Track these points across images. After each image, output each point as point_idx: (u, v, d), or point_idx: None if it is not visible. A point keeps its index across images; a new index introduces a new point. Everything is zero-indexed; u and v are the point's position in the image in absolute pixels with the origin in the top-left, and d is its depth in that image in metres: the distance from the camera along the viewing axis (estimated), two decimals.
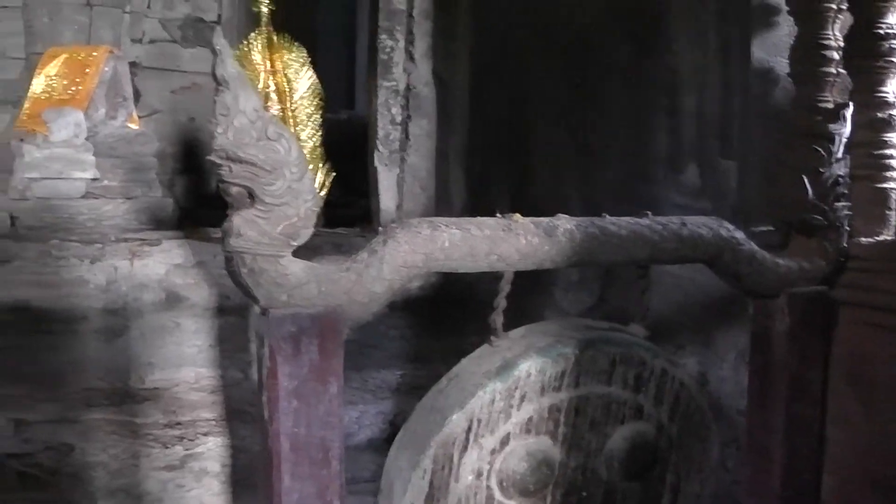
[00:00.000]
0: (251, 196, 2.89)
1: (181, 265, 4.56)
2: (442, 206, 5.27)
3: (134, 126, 8.19)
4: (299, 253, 2.97)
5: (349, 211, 6.16)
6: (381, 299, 3.10)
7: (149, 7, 9.60)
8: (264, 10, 5.65)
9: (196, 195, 9.02)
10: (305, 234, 2.99)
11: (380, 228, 5.34)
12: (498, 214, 3.33)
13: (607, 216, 3.50)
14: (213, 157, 2.87)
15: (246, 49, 5.64)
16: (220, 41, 2.84)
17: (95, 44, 9.08)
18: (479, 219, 3.26)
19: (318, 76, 8.83)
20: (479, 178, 5.14)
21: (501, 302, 3.35)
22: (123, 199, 7.49)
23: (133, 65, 9.30)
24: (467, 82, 5.18)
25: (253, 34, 5.70)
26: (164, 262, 4.54)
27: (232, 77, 2.82)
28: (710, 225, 3.57)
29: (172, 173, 9.27)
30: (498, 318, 3.38)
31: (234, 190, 2.89)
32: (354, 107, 9.77)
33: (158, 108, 9.67)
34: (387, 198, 5.30)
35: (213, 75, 2.85)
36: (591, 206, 4.65)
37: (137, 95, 9.23)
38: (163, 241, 4.65)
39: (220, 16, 9.84)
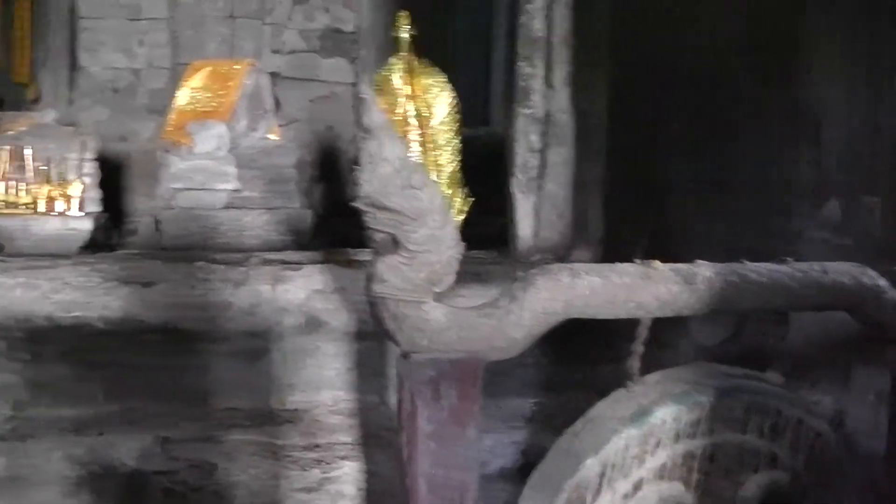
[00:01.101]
0: (395, 242, 2.95)
1: (322, 290, 4.67)
2: (578, 233, 5.28)
3: (274, 137, 8.40)
4: None
5: (485, 230, 6.18)
6: (519, 345, 3.13)
7: (289, 18, 9.81)
8: (404, 35, 5.72)
9: (333, 202, 9.19)
10: (447, 280, 3.04)
11: (517, 253, 5.40)
12: (636, 260, 3.33)
13: (746, 262, 3.47)
14: (358, 204, 2.94)
15: (386, 74, 5.72)
16: (365, 90, 2.91)
17: (237, 55, 9.34)
18: (618, 265, 3.27)
19: (454, 90, 8.96)
20: (616, 207, 5.14)
21: (638, 348, 3.35)
22: (263, 210, 7.69)
23: (273, 75, 9.51)
24: (606, 111, 5.18)
25: (393, 59, 5.78)
26: (305, 288, 4.66)
27: (377, 125, 2.89)
28: (853, 272, 3.50)
29: (310, 181, 9.44)
30: (634, 364, 3.38)
31: (379, 236, 2.96)
32: (490, 121, 9.80)
33: (297, 117, 9.87)
34: (524, 225, 5.34)
35: (359, 123, 2.92)
36: (726, 238, 4.64)
37: (277, 105, 9.44)
38: (304, 265, 4.75)
39: (358, 26, 10.00)
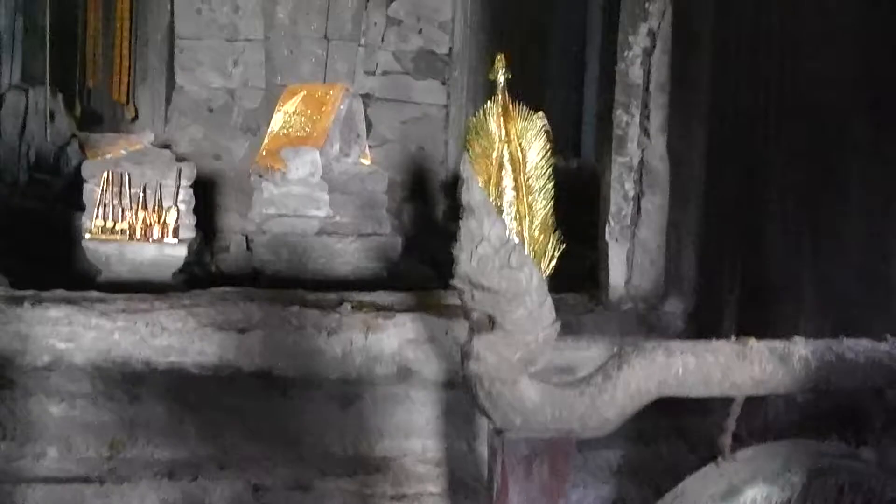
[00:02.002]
0: (491, 321, 2.97)
1: (414, 340, 4.69)
2: (672, 282, 5.24)
3: (366, 162, 8.50)
4: None
5: (576, 264, 6.15)
6: (612, 424, 3.13)
7: (383, 40, 9.92)
8: (500, 79, 5.73)
9: (423, 222, 9.26)
10: (543, 359, 3.05)
11: (609, 302, 5.38)
12: (732, 338, 3.30)
13: (844, 339, 3.42)
14: (456, 283, 2.96)
15: (483, 118, 5.73)
16: (466, 168, 2.93)
17: (331, 75, 9.47)
18: (713, 343, 3.25)
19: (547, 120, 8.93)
20: (712, 256, 5.09)
21: (731, 424, 3.32)
22: (354, 236, 7.79)
23: (366, 96, 9.64)
24: (703, 158, 5.13)
25: (489, 103, 5.79)
26: (397, 337, 4.69)
27: (478, 203, 2.91)
28: None
29: (401, 201, 9.55)
30: (726, 441, 3.35)
31: (475, 315, 2.98)
32: (581, 151, 9.77)
33: (389, 137, 9.99)
34: (616, 273, 5.32)
35: (460, 201, 2.94)
36: (827, 288, 4.57)
37: (369, 126, 9.56)
38: (397, 314, 4.78)
39: (451, 49, 10.08)
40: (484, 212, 2.90)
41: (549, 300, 3.03)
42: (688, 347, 3.20)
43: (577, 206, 6.12)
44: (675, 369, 3.14)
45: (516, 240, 2.96)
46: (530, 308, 2.96)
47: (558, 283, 6.09)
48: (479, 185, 2.93)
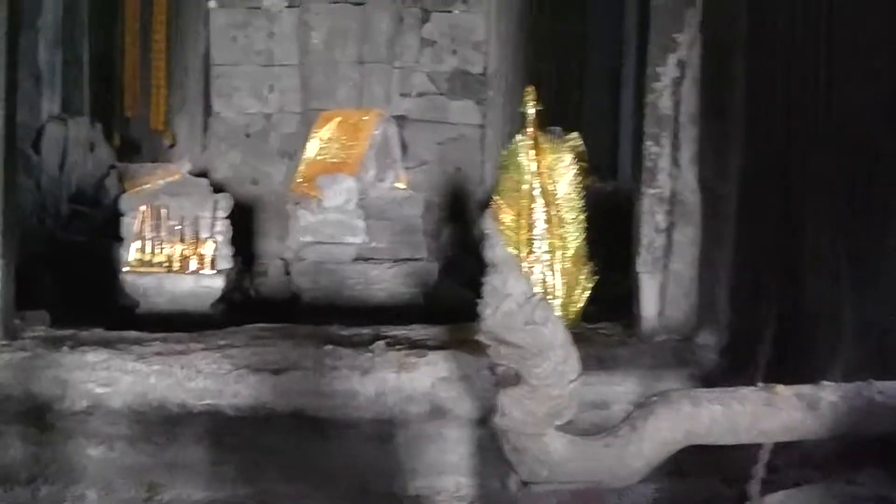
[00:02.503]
0: (517, 376, 3.00)
1: (446, 378, 4.72)
2: (705, 315, 5.23)
3: (401, 186, 8.54)
4: None
5: (615, 288, 6.14)
6: (639, 474, 3.15)
7: (417, 62, 9.95)
8: (531, 111, 5.76)
9: (461, 242, 9.27)
10: (568, 413, 3.08)
11: (641, 333, 5.37)
12: (759, 384, 3.30)
13: (874, 382, 3.41)
14: (481, 338, 3.00)
15: (513, 150, 5.77)
16: (489, 224, 2.96)
17: (367, 99, 9.51)
18: (740, 391, 3.25)
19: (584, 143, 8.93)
20: (746, 289, 5.07)
21: (760, 471, 3.33)
22: (391, 262, 7.83)
23: (402, 118, 9.67)
24: (737, 191, 5.11)
25: (520, 136, 5.83)
26: (430, 376, 4.72)
27: (502, 260, 2.94)
28: None
29: (439, 222, 9.57)
30: (755, 488, 3.36)
31: (501, 370, 3.02)
32: (617, 171, 9.75)
33: (426, 159, 10.00)
34: (648, 305, 5.31)
35: (484, 258, 2.97)
36: (865, 321, 4.54)
37: (405, 148, 9.58)
38: (429, 353, 4.81)
39: (485, 68, 10.09)
40: (508, 268, 2.94)
41: (574, 353, 3.06)
42: (714, 396, 3.21)
43: (614, 230, 6.12)
44: (702, 419, 3.15)
45: (540, 296, 2.97)
46: (555, 362, 2.98)
47: (596, 308, 6.13)
48: (503, 242, 2.96)
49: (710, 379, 4.82)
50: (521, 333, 2.93)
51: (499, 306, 2.94)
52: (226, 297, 7.65)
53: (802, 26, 4.71)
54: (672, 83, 5.26)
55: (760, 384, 3.33)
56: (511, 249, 5.61)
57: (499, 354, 2.98)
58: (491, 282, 2.96)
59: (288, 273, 8.22)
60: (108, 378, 4.66)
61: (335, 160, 8.40)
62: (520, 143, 5.77)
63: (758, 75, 5.03)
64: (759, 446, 3.60)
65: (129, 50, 9.67)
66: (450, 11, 9.98)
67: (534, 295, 2.93)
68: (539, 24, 10.08)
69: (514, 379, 3.01)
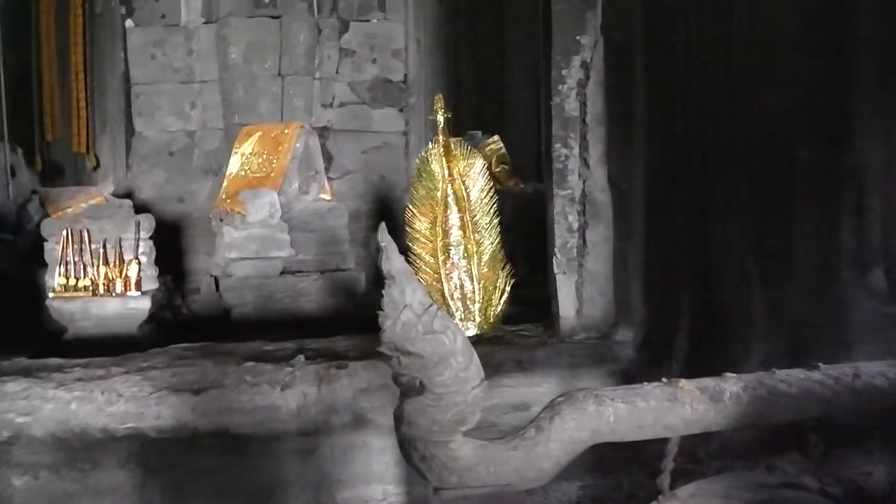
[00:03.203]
0: (421, 385, 3.04)
1: (367, 389, 4.75)
2: (621, 312, 5.32)
3: (326, 197, 8.56)
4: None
5: (535, 291, 6.22)
6: (548, 475, 3.20)
7: (337, 72, 10.01)
8: (440, 119, 5.82)
9: None
10: (473, 419, 3.12)
11: (560, 333, 5.45)
12: (664, 380, 3.37)
13: (776, 371, 3.49)
14: (383, 349, 3.04)
15: (425, 157, 5.83)
16: (384, 237, 3.01)
17: (288, 111, 9.54)
18: (644, 388, 3.32)
19: (507, 147, 9.02)
20: (659, 285, 5.16)
21: (669, 464, 3.40)
22: (318, 274, 7.85)
23: (324, 129, 9.71)
24: (644, 188, 5.20)
25: (430, 144, 5.89)
26: (350, 387, 4.75)
27: (399, 272, 2.98)
28: (888, 373, 3.51)
29: (367, 230, 9.62)
30: (665, 480, 3.43)
31: (404, 380, 3.06)
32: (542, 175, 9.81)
33: (351, 168, 10.06)
34: (566, 304, 5.39)
35: (381, 270, 3.01)
36: (777, 312, 4.64)
37: (330, 158, 9.64)
38: (349, 363, 4.85)
39: (406, 76, 10.17)
40: (405, 280, 2.98)
41: (475, 360, 3.10)
42: (619, 394, 3.27)
43: (535, 232, 6.19)
44: (607, 417, 3.21)
45: (437, 305, 3.02)
46: (457, 370, 3.03)
47: (519, 310, 6.20)
48: (398, 253, 3.00)
49: (629, 375, 4.89)
50: (421, 343, 2.97)
51: (398, 317, 2.98)
52: (155, 318, 7.61)
53: (699, 25, 4.81)
54: (577, 85, 5.34)
55: (664, 379, 3.39)
56: (428, 256, 5.68)
57: (401, 365, 3.01)
58: (389, 293, 3.00)
59: (218, 290, 8.22)
60: (29, 407, 4.64)
61: (258, 175, 8.41)
62: (431, 151, 5.84)
63: (657, 74, 5.13)
64: (678, 438, 3.65)
65: (47, 72, 9.60)
66: (368, 21, 10.07)
67: (431, 304, 2.97)
68: (457, 29, 10.15)
69: (418, 388, 3.04)
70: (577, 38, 5.33)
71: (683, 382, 3.36)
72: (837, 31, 4.27)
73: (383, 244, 3.01)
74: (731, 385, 3.38)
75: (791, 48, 4.44)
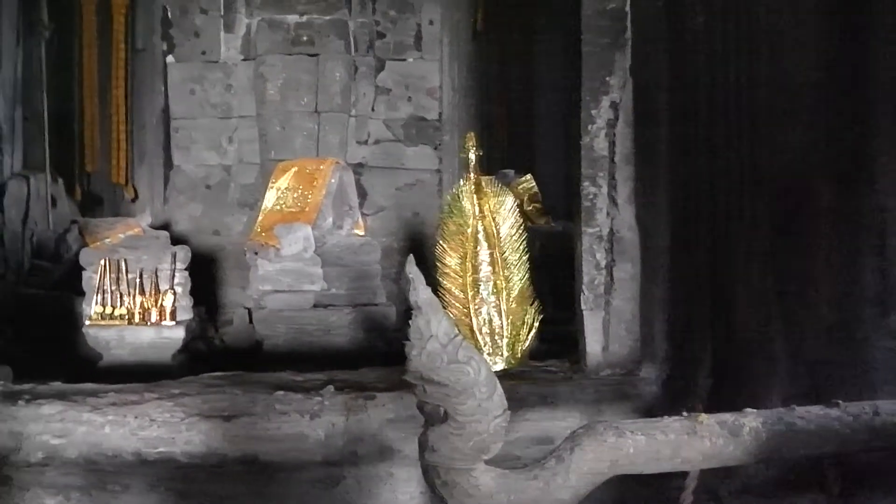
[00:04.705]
0: (444, 413, 3.12)
1: (393, 420, 4.83)
2: (646, 349, 5.37)
3: (359, 233, 8.68)
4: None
5: (563, 327, 6.28)
6: None
7: (373, 110, 10.11)
8: (472, 157, 5.94)
9: None
10: (495, 448, 3.19)
11: (586, 369, 5.51)
12: (684, 413, 3.43)
13: (795, 408, 3.54)
14: (408, 378, 3.12)
15: (456, 194, 5.94)
16: (412, 269, 3.10)
17: (323, 148, 9.67)
18: (663, 421, 3.38)
19: (538, 185, 9.10)
20: (683, 322, 5.21)
21: (688, 498, 3.45)
22: (349, 308, 7.95)
23: (359, 166, 9.83)
24: (668, 227, 5.27)
25: (461, 181, 6.01)
26: (377, 418, 4.83)
27: (425, 303, 3.07)
28: None
29: (398, 266, 9.69)
30: None
31: (429, 408, 3.14)
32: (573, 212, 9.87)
33: (384, 205, 10.16)
34: (593, 341, 5.45)
35: (408, 300, 3.10)
36: (798, 350, 4.67)
37: (364, 195, 9.74)
38: (377, 394, 4.93)
39: (440, 114, 10.27)
40: (431, 310, 3.06)
41: (499, 390, 3.18)
42: (638, 427, 3.33)
43: (564, 269, 6.27)
44: (626, 449, 3.27)
45: (462, 336, 3.10)
46: (480, 399, 3.10)
47: (546, 347, 6.27)
48: (425, 285, 3.08)
49: (652, 411, 4.93)
50: (445, 372, 3.05)
51: (423, 347, 3.05)
52: (188, 348, 7.74)
53: (723, 65, 4.88)
54: (606, 125, 5.43)
55: (684, 413, 3.44)
56: (458, 291, 5.77)
57: (425, 393, 3.09)
58: (415, 323, 3.08)
59: (251, 322, 8.34)
60: (63, 429, 4.75)
61: (292, 209, 8.55)
62: (462, 188, 5.94)
63: (681, 114, 5.20)
64: (696, 472, 3.70)
65: (88, 104, 9.80)
66: (403, 60, 10.19)
67: (456, 335, 3.05)
68: (490, 68, 10.27)
69: (442, 417, 3.12)
70: (606, 78, 5.42)
71: (703, 416, 3.42)
72: (858, 73, 4.32)
73: (411, 275, 3.09)
74: (751, 420, 3.43)
75: (813, 89, 4.50)
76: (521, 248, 5.91)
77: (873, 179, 4.51)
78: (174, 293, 7.39)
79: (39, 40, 9.34)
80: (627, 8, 5.46)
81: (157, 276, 7.42)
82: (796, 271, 4.73)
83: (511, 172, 9.43)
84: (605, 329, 5.46)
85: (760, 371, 4.81)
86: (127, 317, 7.28)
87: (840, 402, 3.57)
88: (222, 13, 10.05)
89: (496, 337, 5.83)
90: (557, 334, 6.31)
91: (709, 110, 4.98)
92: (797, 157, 4.66)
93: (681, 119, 5.24)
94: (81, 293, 7.61)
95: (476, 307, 5.82)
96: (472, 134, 6.14)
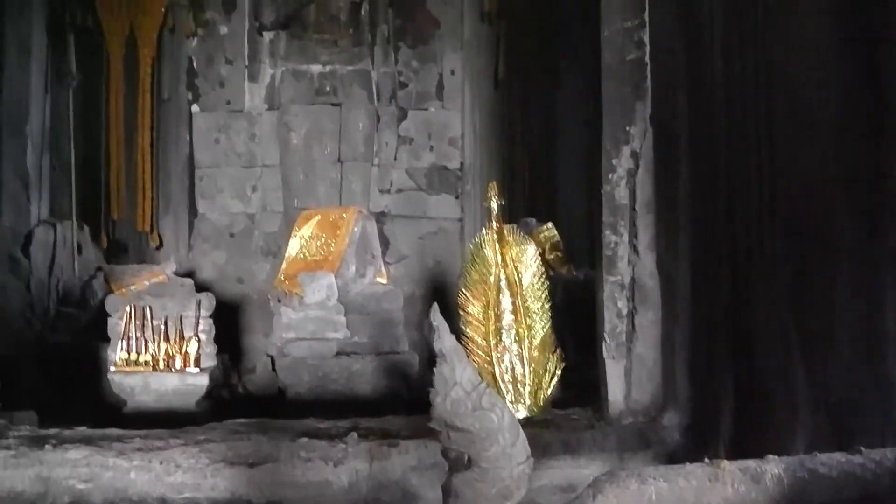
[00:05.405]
0: (468, 459, 3.16)
1: (417, 467, 4.86)
2: (668, 395, 5.39)
3: (382, 281, 8.74)
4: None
5: (586, 374, 6.29)
6: None
7: (395, 159, 10.21)
8: (494, 205, 6.01)
9: None
10: (518, 494, 3.23)
11: (608, 416, 5.53)
12: (706, 460, 3.45)
13: (818, 455, 3.55)
14: (433, 425, 3.16)
15: (479, 243, 6.00)
16: (436, 317, 3.15)
17: (346, 196, 9.76)
18: (686, 468, 3.39)
19: (560, 233, 9.13)
20: (704, 368, 5.23)
21: None
22: (372, 356, 8.00)
23: (382, 214, 9.91)
24: (688, 271, 5.30)
25: (484, 229, 6.07)
26: (401, 465, 4.86)
27: (449, 350, 3.12)
28: None
29: (421, 314, 9.73)
30: None
31: (453, 454, 3.18)
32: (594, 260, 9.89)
33: (406, 253, 10.22)
34: (615, 388, 5.48)
35: (431, 348, 3.15)
36: (820, 392, 4.68)
37: (386, 243, 9.81)
38: (401, 442, 4.96)
39: (462, 163, 10.36)
40: (455, 358, 3.12)
41: (522, 437, 3.22)
42: (660, 473, 3.35)
43: (586, 317, 6.30)
44: (649, 495, 3.29)
45: (486, 383, 3.15)
46: (503, 446, 3.15)
47: (569, 395, 6.29)
48: (450, 332, 3.14)
49: (675, 458, 4.94)
50: (469, 419, 3.10)
51: (448, 394, 3.11)
52: (212, 394, 7.79)
53: (741, 112, 4.93)
54: (627, 173, 5.49)
55: (707, 460, 3.46)
56: (480, 339, 5.81)
57: (450, 439, 3.13)
58: (440, 371, 3.14)
59: (274, 369, 8.39)
60: (89, 474, 4.80)
61: (316, 257, 8.62)
62: (485, 237, 6.00)
63: (700, 158, 5.25)
64: None
65: (115, 153, 9.91)
66: (426, 109, 10.30)
67: (480, 382, 3.10)
68: (512, 117, 10.35)
69: (466, 463, 3.16)
70: (627, 127, 5.50)
71: (725, 463, 3.44)
72: (877, 111, 4.35)
73: (435, 324, 3.14)
74: (773, 467, 3.44)
75: (831, 130, 4.52)
76: (544, 296, 5.96)
77: (894, 215, 4.53)
78: (198, 340, 7.45)
79: (67, 89, 9.49)
80: (647, 59, 5.53)
81: (181, 323, 7.49)
82: (818, 312, 4.73)
83: (533, 221, 9.47)
84: (627, 376, 5.49)
85: (784, 414, 4.82)
86: (151, 363, 7.34)
87: (862, 448, 3.58)
88: (247, 63, 10.21)
89: (519, 385, 5.87)
90: (579, 381, 6.34)
91: (728, 155, 5.01)
92: (816, 197, 4.68)
93: (700, 165, 5.28)
94: (107, 339, 7.68)
95: (499, 355, 5.87)
96: (494, 183, 6.22)
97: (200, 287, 8.44)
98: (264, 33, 10.21)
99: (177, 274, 8.92)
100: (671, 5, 5.53)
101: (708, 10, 5.19)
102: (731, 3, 5.02)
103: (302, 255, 8.72)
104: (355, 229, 8.64)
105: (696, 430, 5.21)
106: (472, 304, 5.97)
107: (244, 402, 8.49)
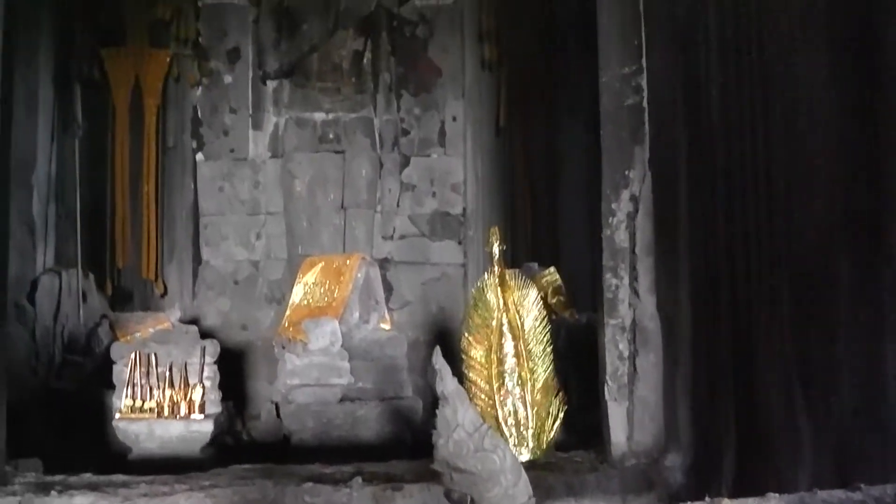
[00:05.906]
0: (471, 500, 3.19)
1: None
2: (670, 437, 5.42)
3: (385, 327, 8.77)
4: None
5: (589, 417, 6.31)
6: None
7: (398, 205, 10.29)
8: (496, 250, 6.07)
9: None
10: None
11: (611, 459, 5.55)
12: (707, 499, 3.48)
13: (818, 491, 3.58)
14: (435, 466, 3.20)
15: (481, 288, 6.06)
16: (438, 360, 3.20)
17: (350, 242, 9.83)
18: None
19: (562, 277, 9.18)
20: (706, 409, 5.26)
21: None
22: (376, 402, 8.01)
23: (385, 260, 9.98)
24: (690, 315, 5.34)
25: (486, 275, 6.12)
26: None
27: (452, 393, 3.17)
28: None
29: (425, 360, 9.74)
30: None
31: (456, 495, 3.21)
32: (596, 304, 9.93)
33: (409, 299, 10.29)
34: (617, 431, 5.51)
35: (435, 392, 3.20)
36: (822, 431, 4.69)
37: (390, 289, 9.87)
38: (405, 485, 4.98)
39: (465, 209, 10.44)
40: (458, 400, 3.16)
41: (524, 477, 3.26)
42: None
43: (587, 361, 6.34)
44: None
45: (487, 425, 3.19)
46: (505, 487, 3.18)
47: (572, 437, 6.32)
48: (452, 375, 3.18)
49: (678, 499, 4.95)
50: (472, 460, 3.14)
51: (450, 436, 3.15)
52: (216, 441, 7.79)
53: (739, 155, 4.98)
54: (626, 217, 5.55)
55: (708, 498, 3.49)
56: (483, 383, 5.85)
57: (452, 480, 3.17)
58: (442, 413, 3.18)
59: (278, 415, 8.40)
60: None
61: (320, 304, 8.65)
62: (487, 281, 6.05)
63: (699, 202, 5.30)
64: None
65: (120, 201, 9.98)
66: (428, 156, 10.41)
67: (482, 424, 3.14)
68: (513, 163, 10.43)
69: (469, 503, 3.19)
70: (626, 172, 5.57)
71: (726, 501, 3.47)
72: (873, 150, 4.38)
73: (438, 367, 3.19)
74: None
75: (830, 172, 4.56)
76: (546, 339, 6.00)
77: (892, 256, 4.55)
78: (203, 387, 7.47)
79: (73, 138, 9.59)
80: (645, 104, 5.60)
81: (186, 370, 7.51)
82: (818, 353, 4.75)
83: (535, 265, 9.50)
84: (630, 418, 5.52)
85: (786, 454, 4.83)
86: (156, 410, 7.35)
87: (862, 485, 3.61)
88: (251, 112, 10.33)
89: (522, 428, 5.90)
90: (582, 424, 6.36)
91: (727, 198, 5.07)
92: (816, 239, 4.71)
93: (699, 208, 5.34)
94: (112, 386, 7.70)
95: (501, 398, 5.91)
96: (496, 228, 6.28)
97: (205, 334, 8.46)
98: (268, 82, 10.35)
99: (181, 321, 8.96)
100: (668, 51, 5.62)
101: (705, 55, 5.27)
102: (727, 47, 5.10)
103: (306, 302, 8.76)
104: (359, 275, 8.67)
105: (699, 471, 5.23)
106: (475, 349, 6.02)
107: (249, 448, 8.48)
